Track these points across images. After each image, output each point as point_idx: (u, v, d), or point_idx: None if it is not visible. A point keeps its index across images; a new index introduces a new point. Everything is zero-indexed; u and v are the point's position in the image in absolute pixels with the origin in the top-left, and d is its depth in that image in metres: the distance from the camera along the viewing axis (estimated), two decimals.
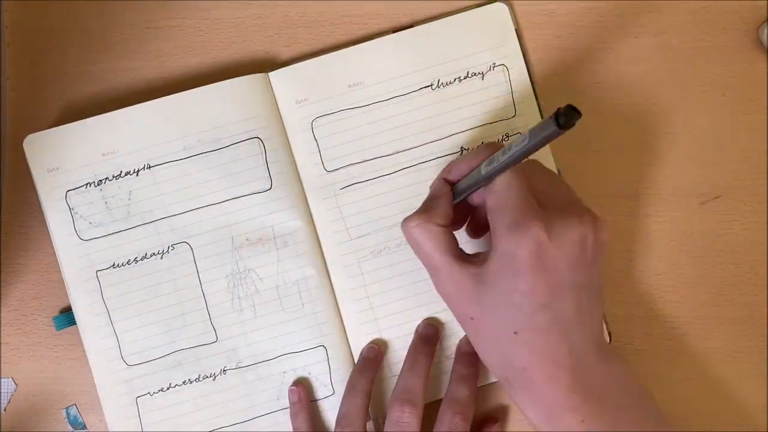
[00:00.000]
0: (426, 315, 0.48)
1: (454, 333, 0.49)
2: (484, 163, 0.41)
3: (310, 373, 0.48)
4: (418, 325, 0.48)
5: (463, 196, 0.43)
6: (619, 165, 0.49)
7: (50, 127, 0.48)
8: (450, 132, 0.49)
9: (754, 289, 0.49)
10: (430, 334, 0.48)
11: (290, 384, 0.48)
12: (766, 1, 0.50)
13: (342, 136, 0.49)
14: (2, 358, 0.49)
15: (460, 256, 0.42)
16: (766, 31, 0.49)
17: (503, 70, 0.49)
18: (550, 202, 0.41)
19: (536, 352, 0.40)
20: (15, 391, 0.49)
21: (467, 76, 0.49)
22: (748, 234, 0.49)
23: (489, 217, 0.41)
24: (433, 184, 0.45)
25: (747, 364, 0.49)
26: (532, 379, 0.40)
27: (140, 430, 0.48)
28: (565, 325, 0.40)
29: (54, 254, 0.48)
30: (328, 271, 0.49)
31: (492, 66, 0.49)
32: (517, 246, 0.39)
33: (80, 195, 0.48)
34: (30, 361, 0.49)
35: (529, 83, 0.49)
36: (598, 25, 0.50)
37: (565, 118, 0.33)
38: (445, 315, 0.48)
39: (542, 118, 0.49)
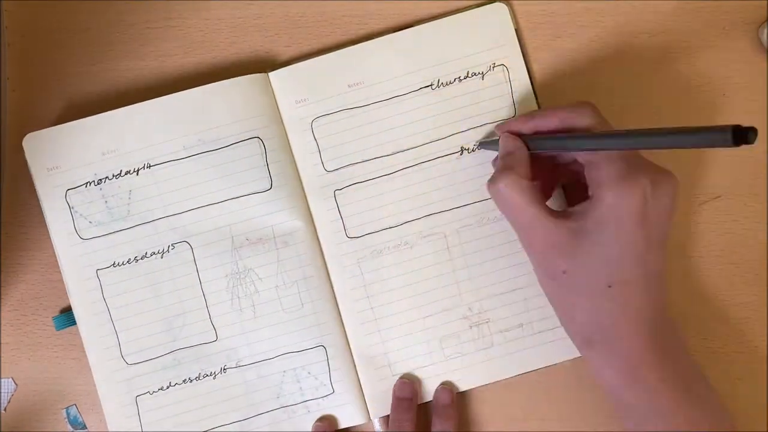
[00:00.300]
0: (426, 315, 0.48)
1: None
2: (605, 134, 0.40)
3: (309, 373, 0.48)
4: (394, 386, 0.48)
5: (548, 151, 0.43)
6: None
7: (51, 126, 0.48)
8: (450, 132, 0.49)
9: (754, 289, 0.49)
10: (406, 397, 0.48)
11: (315, 419, 0.48)
12: (766, 1, 0.50)
13: (342, 136, 0.49)
14: (2, 358, 0.49)
15: (553, 212, 0.42)
16: (766, 31, 0.49)
17: (503, 70, 0.49)
18: (635, 158, 0.41)
19: (627, 305, 0.40)
20: (15, 391, 0.49)
21: (467, 76, 0.49)
22: (748, 234, 0.49)
23: (589, 170, 0.41)
24: (500, 140, 0.45)
25: (747, 364, 0.49)
26: (617, 335, 0.41)
27: (140, 429, 0.48)
28: (653, 278, 0.41)
29: (54, 254, 0.48)
30: (327, 271, 0.49)
31: (492, 66, 0.49)
32: (625, 198, 0.39)
33: (80, 194, 0.48)
34: (30, 361, 0.49)
35: (529, 83, 0.49)
36: (598, 25, 0.50)
37: (745, 137, 0.31)
38: (443, 316, 0.48)
39: None
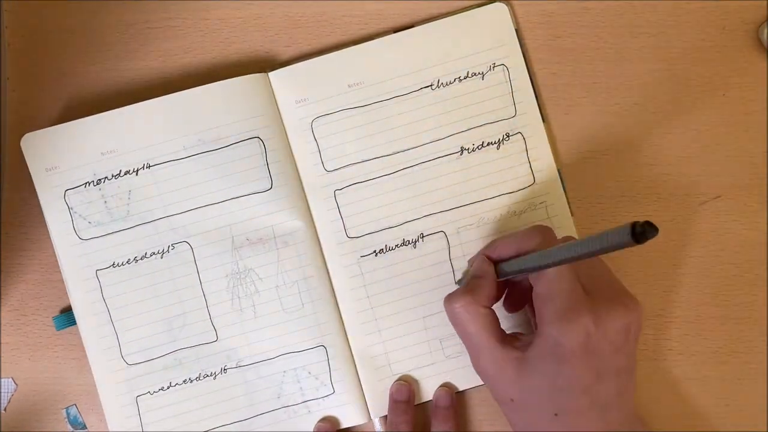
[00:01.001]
0: (425, 315, 0.48)
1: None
2: (539, 254, 0.40)
3: (310, 373, 0.48)
4: (391, 388, 0.48)
5: (508, 277, 0.44)
6: (619, 165, 0.49)
7: (50, 126, 0.48)
8: (450, 132, 0.49)
9: (754, 289, 0.49)
10: (404, 399, 0.48)
11: (316, 419, 0.48)
12: (766, 1, 0.50)
13: (342, 136, 0.49)
14: (2, 358, 0.49)
15: (503, 338, 0.43)
16: (766, 31, 0.49)
17: (503, 70, 0.49)
18: (594, 286, 0.41)
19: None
20: (15, 391, 0.49)
21: (467, 76, 0.49)
22: (748, 234, 0.49)
23: (536, 303, 0.42)
24: (474, 261, 0.46)
25: (747, 364, 0.49)
26: None
27: (140, 429, 0.48)
28: (605, 406, 0.41)
29: (54, 254, 0.48)
30: (328, 271, 0.49)
31: (492, 66, 0.49)
32: (565, 335, 0.40)
33: (79, 194, 0.48)
34: (30, 361, 0.49)
35: (530, 83, 0.49)
36: (598, 25, 0.50)
37: (644, 234, 0.31)
38: (444, 316, 0.48)
39: (542, 119, 0.49)
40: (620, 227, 0.32)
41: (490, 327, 0.43)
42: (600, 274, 0.43)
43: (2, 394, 0.49)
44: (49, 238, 0.48)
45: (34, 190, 0.48)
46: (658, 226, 0.31)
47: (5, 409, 0.49)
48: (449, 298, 0.44)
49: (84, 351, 0.48)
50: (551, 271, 0.41)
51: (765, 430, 0.48)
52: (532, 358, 0.41)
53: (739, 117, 0.49)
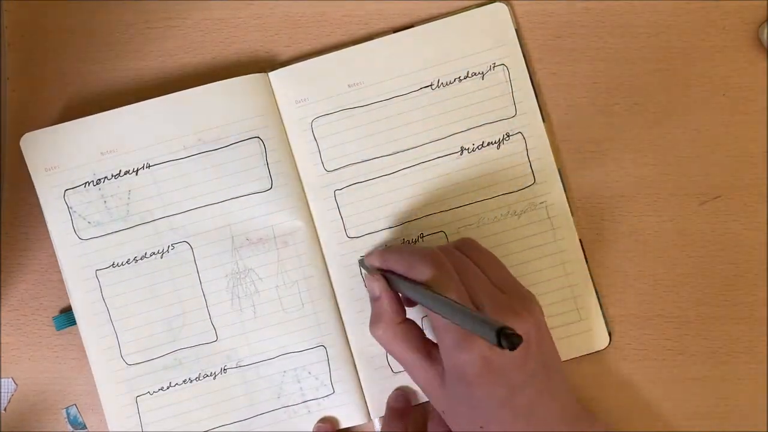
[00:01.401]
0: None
1: None
2: (424, 294, 0.41)
3: (310, 373, 0.48)
4: (389, 397, 0.48)
5: (402, 294, 0.44)
6: (619, 165, 0.49)
7: (50, 126, 0.48)
8: (450, 132, 0.49)
9: (754, 289, 0.49)
10: (401, 407, 0.48)
11: (316, 419, 0.48)
12: (766, 1, 0.50)
13: (342, 136, 0.49)
14: (2, 358, 0.49)
15: (429, 351, 0.44)
16: (766, 31, 0.49)
17: (503, 70, 0.49)
18: (486, 299, 0.42)
19: None
20: (15, 391, 0.49)
21: (467, 76, 0.49)
22: (748, 234, 0.49)
23: (434, 332, 0.42)
24: (367, 281, 0.46)
25: (747, 364, 0.49)
26: None
27: (140, 429, 0.48)
28: (527, 413, 0.41)
29: (54, 254, 0.48)
30: (328, 271, 0.49)
31: (492, 66, 0.49)
32: (465, 363, 0.40)
33: (79, 194, 0.48)
34: (30, 361, 0.49)
35: (530, 83, 0.49)
36: (598, 25, 0.50)
37: (509, 342, 0.33)
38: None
39: (542, 119, 0.49)
40: (487, 324, 0.34)
41: (413, 341, 0.44)
42: (492, 274, 0.43)
43: (2, 394, 0.49)
44: (49, 238, 0.48)
45: (34, 190, 0.48)
46: (520, 336, 0.33)
47: (5, 409, 0.49)
48: (370, 326, 0.45)
49: (84, 351, 0.48)
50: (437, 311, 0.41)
51: (765, 430, 0.48)
52: (447, 378, 0.42)
53: (739, 117, 0.49)
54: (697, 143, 0.49)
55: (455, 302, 0.38)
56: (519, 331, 0.38)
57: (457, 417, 0.43)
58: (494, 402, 0.41)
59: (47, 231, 0.48)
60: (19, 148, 0.47)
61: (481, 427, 0.42)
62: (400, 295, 0.45)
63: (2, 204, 0.48)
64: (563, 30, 0.50)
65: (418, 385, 0.45)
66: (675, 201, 0.49)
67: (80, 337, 0.48)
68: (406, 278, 0.43)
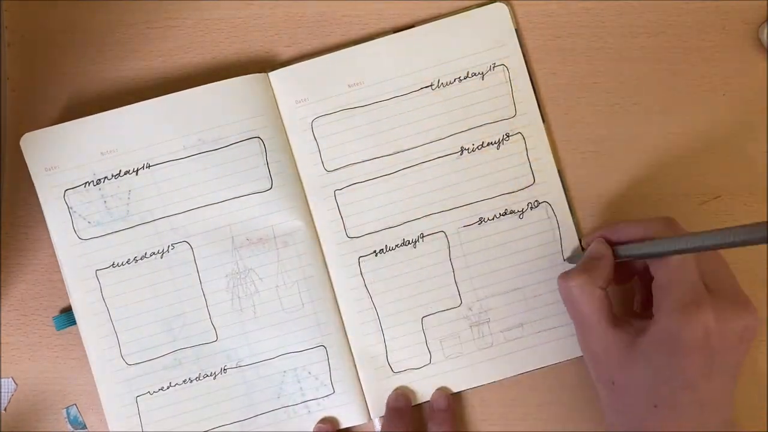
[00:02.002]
0: (427, 313, 0.48)
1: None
2: (664, 240, 0.40)
3: (310, 373, 0.48)
4: (389, 397, 0.48)
5: (626, 260, 0.44)
6: (619, 165, 0.49)
7: (50, 126, 0.48)
8: (450, 132, 0.49)
9: (754, 289, 0.49)
10: (401, 407, 0.48)
11: (316, 419, 0.48)
12: (766, 1, 0.50)
13: (342, 136, 0.49)
14: (2, 358, 0.49)
15: (615, 321, 0.43)
16: (766, 31, 0.49)
17: (503, 70, 0.49)
18: (716, 284, 0.41)
19: (671, 427, 0.40)
20: (15, 391, 0.49)
21: (467, 76, 0.49)
22: None
23: (655, 291, 0.41)
24: (591, 240, 0.46)
25: (747, 364, 0.49)
26: None
27: (140, 429, 0.48)
28: (705, 405, 0.40)
29: (54, 254, 0.48)
30: (328, 271, 0.49)
31: (492, 66, 0.49)
32: (683, 327, 0.39)
33: (79, 194, 0.48)
34: (30, 361, 0.49)
35: (530, 83, 0.49)
36: (598, 25, 0.50)
37: None
38: (443, 316, 0.48)
39: (542, 119, 0.49)
40: (757, 224, 0.33)
41: (604, 308, 0.43)
42: (722, 272, 0.42)
43: (2, 394, 0.49)
44: (49, 238, 0.48)
45: (34, 190, 0.48)
46: None
47: (5, 409, 0.49)
48: (565, 277, 0.44)
49: (84, 351, 0.48)
50: (674, 261, 0.40)
51: (765, 430, 0.48)
52: (644, 345, 0.41)
53: (739, 117, 0.49)
54: (697, 143, 0.49)
55: (711, 230, 0.37)
56: (743, 322, 0.40)
57: (630, 390, 0.41)
58: (685, 381, 0.39)
59: (47, 231, 0.48)
60: (19, 148, 0.47)
61: (654, 406, 0.40)
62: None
63: (2, 204, 0.48)
64: (563, 30, 0.50)
65: (587, 351, 0.44)
66: (675, 201, 0.49)
67: (80, 337, 0.48)
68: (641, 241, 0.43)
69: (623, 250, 0.44)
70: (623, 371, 0.42)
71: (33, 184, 0.48)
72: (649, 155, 0.49)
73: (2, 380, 0.49)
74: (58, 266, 0.48)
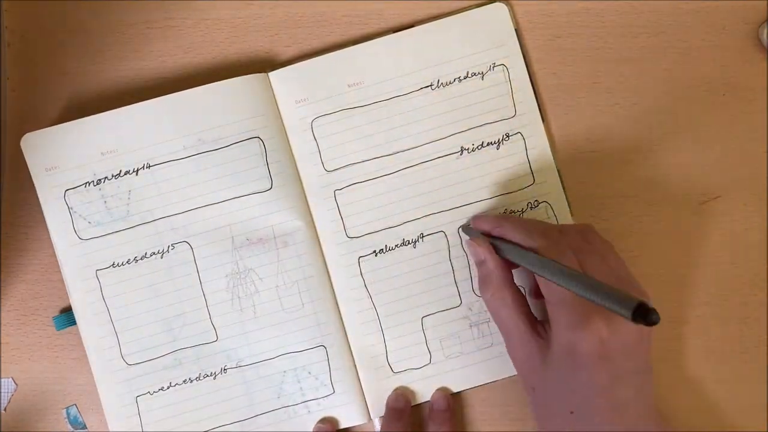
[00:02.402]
0: (427, 313, 0.49)
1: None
2: (539, 260, 0.40)
3: (310, 373, 0.48)
4: (389, 398, 0.48)
5: (508, 259, 0.45)
6: (619, 165, 0.49)
7: (50, 126, 0.48)
8: (450, 132, 0.49)
9: (754, 289, 0.49)
10: (400, 407, 0.48)
11: (316, 419, 0.48)
12: (766, 1, 0.50)
13: (342, 136, 0.49)
14: (2, 358, 0.49)
15: (533, 325, 0.44)
16: (766, 31, 0.49)
17: (503, 70, 0.49)
18: (605, 279, 0.41)
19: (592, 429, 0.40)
20: (15, 391, 0.49)
21: (467, 76, 0.49)
22: (748, 234, 0.49)
23: (547, 306, 0.42)
24: (469, 245, 0.47)
25: (747, 364, 0.49)
26: None
27: (141, 429, 0.48)
28: (621, 407, 0.40)
29: (54, 254, 0.48)
30: (328, 272, 0.49)
31: (492, 66, 0.49)
32: (577, 342, 0.40)
33: (79, 194, 0.48)
34: (30, 361, 0.49)
35: (529, 83, 0.49)
36: (598, 25, 0.50)
37: (647, 318, 0.32)
38: (443, 316, 0.48)
39: (542, 119, 0.49)
40: (626, 299, 0.33)
41: (521, 309, 0.44)
42: (612, 271, 0.42)
43: (2, 394, 0.49)
44: (49, 238, 0.48)
45: (34, 190, 0.48)
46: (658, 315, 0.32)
47: (5, 409, 0.49)
48: (481, 290, 0.45)
49: (84, 351, 0.48)
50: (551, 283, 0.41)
51: (765, 430, 0.48)
52: (552, 354, 0.41)
53: (739, 117, 0.50)
54: (697, 143, 0.50)
55: (587, 276, 0.37)
56: (631, 324, 0.38)
57: (549, 397, 0.42)
58: (594, 389, 0.40)
59: (47, 231, 0.48)
60: (20, 148, 0.47)
61: (571, 412, 0.41)
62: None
63: (2, 204, 0.48)
64: (563, 30, 0.50)
65: (513, 358, 0.45)
66: (675, 201, 0.49)
67: (80, 337, 0.48)
68: (521, 247, 0.43)
69: (505, 251, 0.44)
70: (540, 377, 0.43)
71: (33, 184, 0.48)
72: (649, 155, 0.49)
73: (2, 380, 0.49)
74: (58, 266, 0.48)
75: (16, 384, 0.49)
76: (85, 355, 0.48)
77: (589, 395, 0.40)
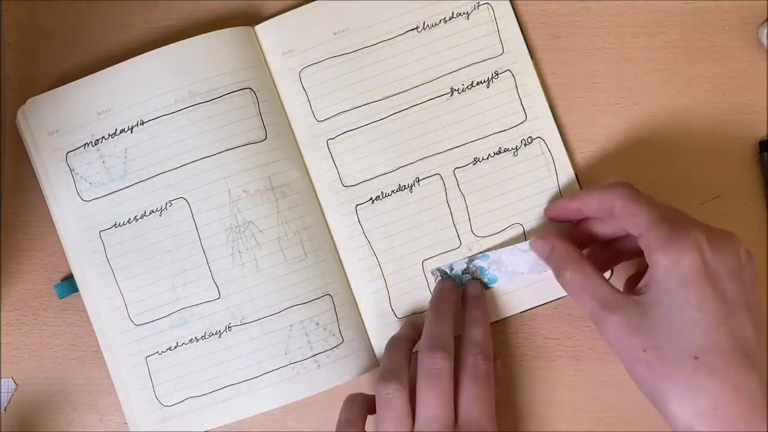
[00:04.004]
0: (428, 256, 0.50)
1: None
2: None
3: (318, 324, 0.49)
4: (437, 281, 0.50)
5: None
6: (619, 165, 0.50)
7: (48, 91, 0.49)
8: (439, 73, 0.50)
9: None
10: (447, 287, 0.48)
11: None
12: (766, 1, 0.50)
13: (331, 85, 0.50)
14: (2, 358, 0.49)
15: (616, 293, 0.42)
16: (766, 31, 0.49)
17: (488, 9, 0.50)
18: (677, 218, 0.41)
19: (725, 380, 0.37)
20: (15, 391, 0.49)
21: (452, 17, 0.50)
22: (748, 234, 0.49)
23: (640, 240, 0.41)
24: (534, 245, 0.47)
25: None
26: (723, 418, 0.37)
27: (152, 388, 0.49)
28: (748, 347, 0.38)
29: (54, 254, 0.49)
30: (326, 221, 0.50)
31: (476, 5, 0.50)
32: (680, 255, 0.39)
33: (79, 156, 0.49)
34: (30, 361, 0.50)
35: (515, 20, 0.50)
36: (598, 25, 0.50)
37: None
38: (444, 258, 0.49)
39: (531, 56, 0.50)
40: None
41: (604, 280, 0.42)
42: (670, 208, 0.43)
43: (2, 394, 0.50)
44: (50, 237, 0.49)
45: (35, 189, 0.50)
46: None
47: (5, 409, 0.50)
48: (560, 278, 0.44)
49: (84, 350, 0.49)
50: (639, 210, 0.41)
51: (765, 430, 0.48)
52: (655, 295, 0.39)
53: (739, 117, 0.50)
54: (697, 143, 0.50)
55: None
56: (732, 245, 0.39)
57: (664, 350, 0.38)
58: (710, 315, 0.38)
59: (48, 231, 0.49)
60: (20, 147, 0.48)
61: (696, 358, 0.38)
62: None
63: (2, 204, 0.48)
64: (563, 30, 0.50)
65: (606, 336, 0.41)
66: (675, 201, 0.49)
67: (80, 337, 0.49)
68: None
69: None
70: (648, 334, 0.39)
71: (33, 183, 0.49)
72: (649, 155, 0.50)
73: (2, 380, 0.50)
74: (59, 266, 0.49)
75: (16, 384, 0.50)
76: (86, 354, 0.49)
77: (710, 327, 0.37)
